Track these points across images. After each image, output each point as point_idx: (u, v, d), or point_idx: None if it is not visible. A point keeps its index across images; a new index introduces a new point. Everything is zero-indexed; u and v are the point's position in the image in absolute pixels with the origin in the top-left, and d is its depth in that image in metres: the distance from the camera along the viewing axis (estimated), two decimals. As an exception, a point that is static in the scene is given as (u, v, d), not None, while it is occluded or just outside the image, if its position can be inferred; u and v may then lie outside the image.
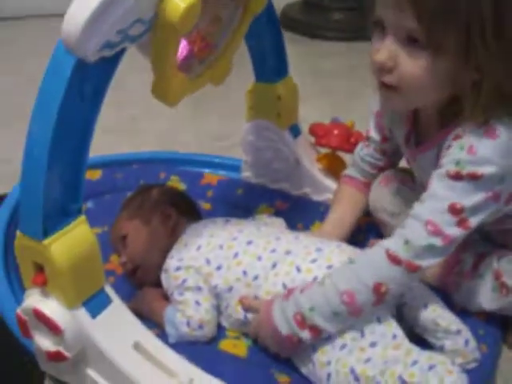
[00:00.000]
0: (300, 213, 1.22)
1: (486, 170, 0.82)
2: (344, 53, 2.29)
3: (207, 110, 1.82)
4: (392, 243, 0.84)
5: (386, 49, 0.83)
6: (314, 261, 0.91)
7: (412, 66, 0.82)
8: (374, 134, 1.10)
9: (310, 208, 1.23)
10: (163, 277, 0.98)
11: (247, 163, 1.30)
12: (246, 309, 0.93)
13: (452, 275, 0.99)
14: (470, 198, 0.82)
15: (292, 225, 1.18)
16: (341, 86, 2.02)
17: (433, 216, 0.83)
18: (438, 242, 0.83)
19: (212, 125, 1.76)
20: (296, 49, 2.33)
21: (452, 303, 0.97)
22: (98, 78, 0.77)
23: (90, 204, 1.24)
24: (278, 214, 1.22)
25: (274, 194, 1.26)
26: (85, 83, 0.76)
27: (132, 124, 1.77)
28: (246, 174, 1.31)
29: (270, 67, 1.18)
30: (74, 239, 0.80)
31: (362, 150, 1.12)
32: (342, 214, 1.10)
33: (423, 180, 0.95)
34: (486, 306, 0.96)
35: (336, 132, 1.21)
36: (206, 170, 1.35)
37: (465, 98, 0.84)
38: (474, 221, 0.83)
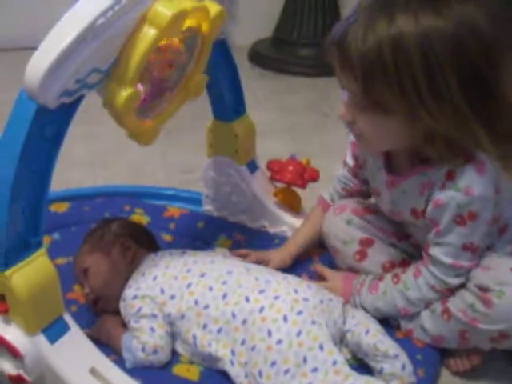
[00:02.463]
0: (256, 244, 1.29)
1: (484, 205, 0.93)
2: (309, 88, 2.39)
3: (177, 142, 1.89)
4: (434, 281, 1.00)
5: (345, 106, 0.94)
6: (261, 292, 0.97)
7: (364, 122, 0.93)
8: (349, 160, 1.19)
9: (266, 240, 1.30)
10: (121, 305, 1.04)
11: (208, 197, 1.36)
12: (320, 272, 1.17)
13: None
14: (477, 234, 0.96)
15: (248, 256, 1.24)
16: (304, 121, 2.10)
17: (452, 257, 0.97)
18: (462, 271, 0.98)
19: (180, 157, 1.82)
20: (264, 84, 2.42)
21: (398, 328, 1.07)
22: (58, 121, 0.84)
23: (56, 235, 1.30)
24: (235, 245, 1.28)
25: (233, 226, 1.33)
26: (46, 126, 0.83)
27: (103, 157, 1.83)
28: (207, 208, 1.37)
29: (227, 106, 1.25)
30: (34, 270, 0.86)
31: (339, 171, 1.21)
32: (301, 230, 1.24)
33: (393, 209, 1.06)
34: (426, 325, 1.03)
35: (290, 168, 1.29)
36: (169, 204, 1.42)
37: (425, 148, 0.93)
38: (482, 243, 0.97)
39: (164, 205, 1.41)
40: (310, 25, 2.55)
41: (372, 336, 0.95)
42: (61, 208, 1.36)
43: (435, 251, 0.99)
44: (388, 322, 1.07)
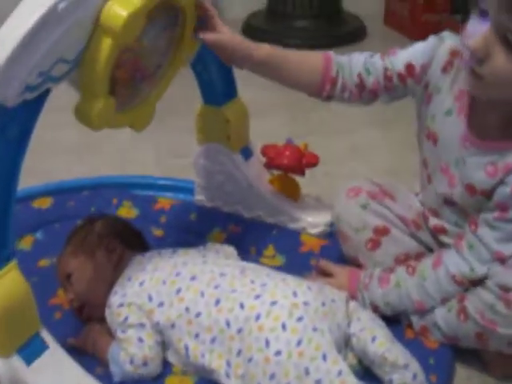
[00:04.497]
0: (253, 236, 1.20)
1: None
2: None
3: (168, 126, 1.80)
4: (456, 270, 0.92)
5: (483, 38, 0.80)
6: (257, 297, 0.89)
7: (505, 61, 0.80)
8: (402, 56, 0.97)
9: (263, 231, 1.21)
10: (107, 313, 0.96)
11: (200, 186, 1.28)
12: (322, 270, 1.07)
13: None
14: None
15: (245, 249, 1.16)
16: (301, 97, 2.00)
17: (499, 246, 0.89)
18: (495, 262, 0.90)
19: (172, 142, 1.73)
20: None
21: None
22: (21, 120, 0.75)
23: (39, 234, 1.22)
24: (230, 238, 1.20)
25: (227, 217, 1.24)
26: (7, 126, 0.74)
27: (93, 143, 1.74)
28: (199, 198, 1.29)
29: (217, 90, 1.16)
30: (4, 287, 0.78)
31: (371, 56, 1.00)
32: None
33: (440, 162, 0.96)
34: (440, 323, 0.95)
35: (287, 154, 1.19)
36: (160, 194, 1.33)
37: None
38: None
39: (154, 196, 1.32)
40: (305, -5, 2.44)
41: (379, 344, 0.87)
42: (44, 204, 1.28)
43: (486, 233, 0.90)
44: (397, 321, 0.99)
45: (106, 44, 0.77)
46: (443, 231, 1.01)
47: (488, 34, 0.80)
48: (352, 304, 0.95)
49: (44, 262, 1.14)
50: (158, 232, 1.23)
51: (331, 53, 1.02)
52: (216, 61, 1.11)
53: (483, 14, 0.81)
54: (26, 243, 1.20)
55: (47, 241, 1.20)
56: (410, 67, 0.96)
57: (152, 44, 0.88)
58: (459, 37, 0.88)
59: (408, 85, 0.97)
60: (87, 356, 0.95)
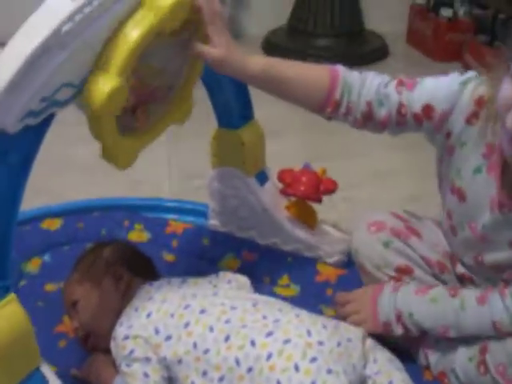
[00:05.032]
0: (267, 264, 1.16)
1: None
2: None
3: (183, 147, 1.76)
4: (499, 316, 0.85)
5: None
6: (269, 334, 0.84)
7: None
8: (417, 101, 0.87)
9: (278, 259, 1.17)
10: (112, 345, 0.92)
11: (214, 210, 1.23)
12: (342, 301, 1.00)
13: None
14: None
15: (258, 278, 1.12)
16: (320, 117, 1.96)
17: None
18: None
19: (187, 163, 1.70)
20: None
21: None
22: (23, 146, 0.71)
23: (46, 257, 1.18)
24: (244, 265, 1.16)
25: (241, 243, 1.20)
26: (9, 153, 0.71)
27: (105, 162, 1.71)
28: (213, 222, 1.24)
29: (232, 112, 1.12)
30: (2, 320, 0.73)
31: (386, 85, 0.89)
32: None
33: (468, 220, 0.90)
34: (458, 371, 0.89)
35: (304, 180, 1.15)
36: (172, 217, 1.29)
37: None
38: None
39: (166, 219, 1.28)
40: (326, 13, 2.40)
41: None
42: (53, 225, 1.24)
43: None
44: (414, 361, 0.94)
45: (149, 17, 0.74)
46: (471, 281, 0.95)
47: None
48: (369, 342, 0.90)
49: (51, 287, 1.11)
50: (169, 257, 1.19)
51: (339, 68, 0.93)
52: (232, 81, 1.08)
53: None
54: (33, 266, 1.16)
55: (55, 264, 1.16)
56: (428, 109, 0.87)
57: (163, 65, 0.84)
58: (484, 79, 0.81)
59: (424, 126, 0.89)
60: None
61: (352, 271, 1.09)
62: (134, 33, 0.73)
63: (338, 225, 1.23)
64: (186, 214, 1.30)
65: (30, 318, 1.01)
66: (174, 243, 1.23)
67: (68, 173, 1.63)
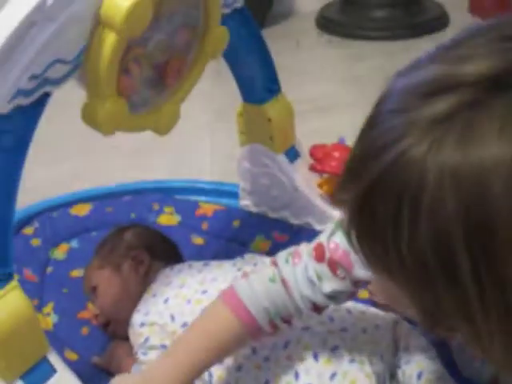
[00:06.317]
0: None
1: None
2: (384, 54, 2.13)
3: (225, 128, 1.71)
4: None
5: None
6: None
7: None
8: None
9: (311, 239, 1.10)
10: (130, 332, 0.89)
11: (245, 190, 1.18)
12: None
13: None
14: None
15: (290, 260, 1.06)
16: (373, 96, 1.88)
17: None
18: None
19: (229, 143, 1.65)
20: (333, 52, 2.20)
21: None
22: (17, 127, 0.68)
23: (74, 243, 1.15)
24: (275, 246, 1.10)
25: (272, 224, 1.14)
26: (2, 135, 0.67)
27: (150, 144, 1.69)
28: (245, 203, 1.19)
29: (257, 86, 1.06)
30: (4, 308, 0.71)
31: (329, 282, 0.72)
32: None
33: None
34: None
35: (336, 155, 1.08)
36: (202, 199, 1.24)
37: None
38: None
39: (196, 201, 1.24)
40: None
41: (426, 381, 0.75)
42: (82, 211, 1.22)
43: None
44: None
45: (109, 40, 0.69)
46: None
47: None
48: (401, 327, 0.83)
49: (76, 273, 1.08)
50: (198, 240, 1.14)
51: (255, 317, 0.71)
52: (252, 52, 1.02)
53: None
54: (61, 252, 1.14)
55: (82, 250, 1.13)
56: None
57: (169, 40, 0.79)
58: None
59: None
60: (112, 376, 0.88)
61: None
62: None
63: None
64: (219, 196, 1.26)
65: (54, 305, 1.02)
66: (204, 225, 1.18)
67: (108, 158, 1.61)
